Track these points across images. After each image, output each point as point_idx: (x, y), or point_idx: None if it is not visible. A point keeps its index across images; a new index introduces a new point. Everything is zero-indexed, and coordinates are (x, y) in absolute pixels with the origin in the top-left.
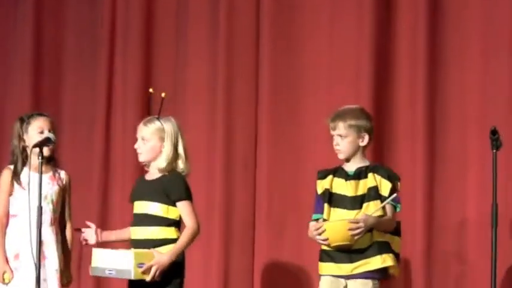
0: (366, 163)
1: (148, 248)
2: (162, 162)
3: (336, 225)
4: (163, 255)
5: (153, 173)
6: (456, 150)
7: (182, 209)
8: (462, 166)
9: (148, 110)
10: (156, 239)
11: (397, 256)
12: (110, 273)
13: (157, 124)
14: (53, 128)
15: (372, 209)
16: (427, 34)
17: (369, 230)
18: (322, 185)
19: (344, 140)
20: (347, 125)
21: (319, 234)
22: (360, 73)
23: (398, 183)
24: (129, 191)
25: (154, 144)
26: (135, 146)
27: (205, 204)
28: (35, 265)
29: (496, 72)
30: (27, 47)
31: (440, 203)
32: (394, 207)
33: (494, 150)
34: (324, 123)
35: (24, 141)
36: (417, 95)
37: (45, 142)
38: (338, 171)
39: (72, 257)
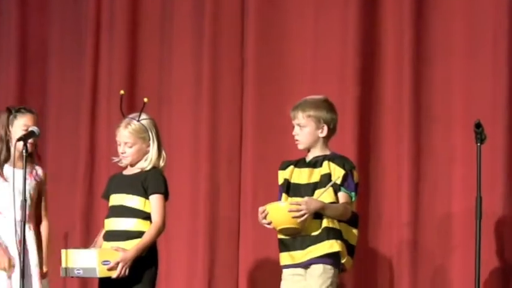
0: (327, 153)
1: (123, 240)
2: (147, 163)
3: (277, 207)
4: (128, 252)
5: (132, 169)
6: (441, 146)
7: (153, 203)
8: (447, 161)
9: (121, 111)
10: (132, 231)
11: (352, 248)
12: (78, 273)
13: (137, 125)
14: (37, 126)
15: (324, 196)
16: (413, 31)
17: (319, 216)
18: (282, 176)
19: (303, 130)
20: (306, 115)
21: (264, 218)
22: (345, 70)
23: (354, 172)
24: None
25: (139, 147)
26: (120, 151)
27: (190, 198)
28: (19, 259)
29: (481, 69)
30: (12, 42)
31: (426, 198)
32: (351, 196)
33: (479, 144)
34: None
35: (9, 133)
36: (403, 91)
37: (29, 136)
38: (300, 162)
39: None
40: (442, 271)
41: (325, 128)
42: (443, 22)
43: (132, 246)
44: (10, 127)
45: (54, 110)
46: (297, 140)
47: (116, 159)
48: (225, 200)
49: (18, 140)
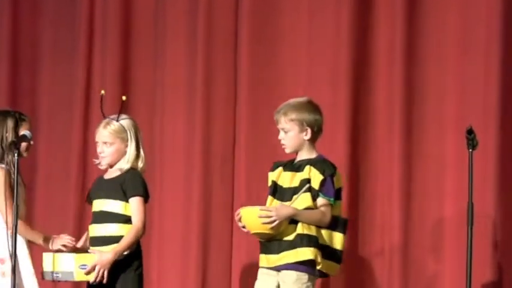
0: (312, 156)
1: (106, 244)
2: (125, 163)
3: (249, 212)
4: (105, 254)
5: (112, 172)
6: (433, 150)
7: (133, 205)
8: (439, 166)
9: (102, 111)
10: (114, 236)
11: (337, 253)
12: (56, 276)
13: (117, 126)
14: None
15: (300, 201)
16: (405, 34)
17: (295, 221)
18: (271, 177)
19: (287, 134)
20: (288, 119)
21: (239, 220)
22: (338, 73)
23: (334, 178)
24: None
25: (118, 147)
26: (99, 151)
27: (183, 200)
28: (12, 265)
29: (473, 72)
30: (4, 42)
31: (418, 203)
32: (330, 202)
33: (471, 150)
34: None
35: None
36: (395, 95)
37: (22, 139)
38: (288, 164)
39: None
40: (433, 275)
41: (309, 130)
42: (435, 25)
43: (114, 250)
44: (19, 133)
45: (46, 111)
46: (283, 144)
47: (96, 161)
48: (218, 203)
49: (11, 143)
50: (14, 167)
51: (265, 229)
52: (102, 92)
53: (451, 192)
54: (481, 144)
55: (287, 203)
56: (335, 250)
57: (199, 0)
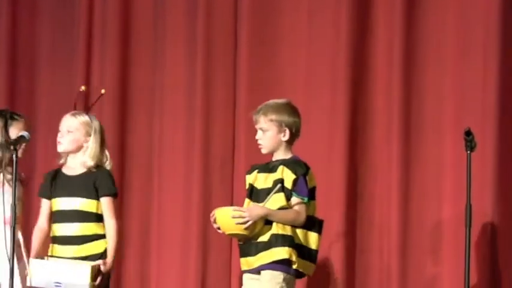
0: (287, 157)
1: (78, 244)
2: (89, 159)
3: (222, 212)
4: (107, 262)
5: (74, 168)
6: (432, 152)
7: (106, 205)
8: (438, 167)
9: (75, 105)
10: (86, 235)
11: (312, 253)
12: (57, 286)
13: (85, 118)
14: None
15: (273, 201)
16: (404, 35)
17: (270, 222)
18: (248, 180)
19: (265, 134)
20: (268, 119)
21: (215, 222)
22: (337, 74)
23: (307, 177)
24: None
25: (78, 137)
26: (58, 136)
27: (183, 202)
28: (9, 263)
29: (471, 74)
30: (2, 43)
31: (416, 204)
32: (303, 201)
33: (469, 151)
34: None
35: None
36: (393, 97)
37: (20, 140)
38: (263, 166)
39: None
40: (432, 277)
41: (287, 131)
42: (434, 27)
43: (110, 255)
44: (10, 133)
45: (44, 112)
46: (259, 145)
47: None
48: (217, 204)
49: (9, 144)
50: (4, 166)
51: (239, 230)
52: (83, 87)
53: (449, 193)
54: (480, 146)
55: (261, 204)
56: (310, 250)
57: (198, 1)
